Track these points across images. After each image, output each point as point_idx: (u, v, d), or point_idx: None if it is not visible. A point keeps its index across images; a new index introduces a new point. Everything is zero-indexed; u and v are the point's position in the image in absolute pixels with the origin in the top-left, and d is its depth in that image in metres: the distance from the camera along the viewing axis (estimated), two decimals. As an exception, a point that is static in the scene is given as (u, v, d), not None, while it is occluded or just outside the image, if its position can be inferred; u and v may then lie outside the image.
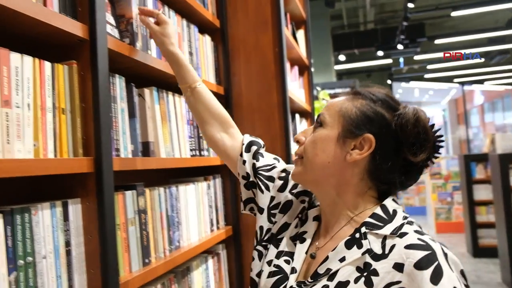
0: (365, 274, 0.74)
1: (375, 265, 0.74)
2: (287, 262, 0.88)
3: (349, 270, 0.76)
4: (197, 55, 1.65)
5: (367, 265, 0.75)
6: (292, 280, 0.84)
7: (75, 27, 0.95)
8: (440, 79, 14.36)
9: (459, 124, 15.76)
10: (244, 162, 1.05)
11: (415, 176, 0.86)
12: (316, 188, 0.89)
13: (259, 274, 0.92)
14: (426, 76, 14.06)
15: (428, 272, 0.69)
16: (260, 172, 1.03)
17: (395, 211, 0.82)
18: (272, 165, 1.04)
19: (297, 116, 2.50)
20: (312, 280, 0.80)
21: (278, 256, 0.90)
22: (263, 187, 1.01)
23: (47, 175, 0.88)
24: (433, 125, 0.84)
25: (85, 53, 0.99)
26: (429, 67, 12.76)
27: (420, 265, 0.70)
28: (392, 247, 0.75)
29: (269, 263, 0.90)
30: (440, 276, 0.69)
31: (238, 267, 1.85)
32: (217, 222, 1.74)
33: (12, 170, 0.75)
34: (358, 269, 0.76)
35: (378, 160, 0.82)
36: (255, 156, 1.05)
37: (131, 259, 1.11)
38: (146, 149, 1.27)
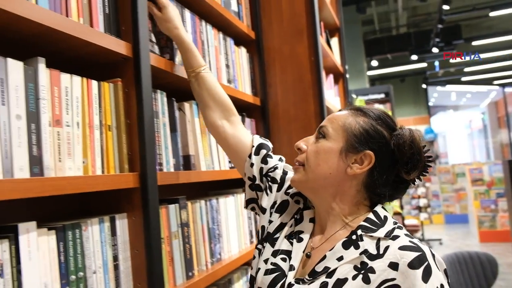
0: (362, 271, 0.80)
1: (371, 263, 0.81)
2: (284, 260, 0.92)
3: (347, 268, 0.82)
4: (233, 67, 1.66)
5: (363, 263, 0.81)
6: (291, 277, 0.88)
7: (119, 46, 0.97)
8: (478, 81, 13.85)
9: (500, 128, 15.09)
10: (252, 164, 1.07)
11: (403, 190, 0.94)
12: (314, 195, 0.94)
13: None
14: (463, 79, 13.59)
15: (420, 271, 0.77)
16: (268, 174, 1.06)
17: (385, 217, 0.89)
18: (275, 166, 1.07)
19: (333, 124, 2.46)
20: (310, 278, 0.85)
21: (274, 254, 0.94)
22: (268, 190, 1.04)
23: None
24: (424, 146, 0.90)
25: (129, 71, 1.01)
26: (467, 69, 12.34)
27: (413, 264, 0.77)
28: (386, 248, 0.81)
29: (266, 261, 0.93)
30: (429, 275, 0.77)
31: (278, 279, 1.82)
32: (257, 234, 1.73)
33: (64, 188, 0.77)
34: (355, 267, 0.82)
35: (375, 175, 0.89)
36: (264, 159, 1.08)
37: (175, 272, 1.12)
38: (187, 162, 1.28)
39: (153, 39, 1.17)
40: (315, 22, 1.89)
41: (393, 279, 0.78)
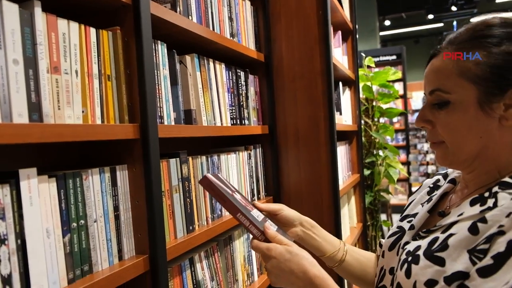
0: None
1: (487, 215, 0.68)
2: (410, 222, 0.87)
3: (465, 225, 0.70)
4: (237, 21, 1.61)
5: (482, 219, 0.68)
6: (408, 236, 0.83)
7: (118, -8, 0.94)
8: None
9: None
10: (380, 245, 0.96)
11: None
12: (469, 167, 0.78)
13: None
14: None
15: None
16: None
17: None
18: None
19: (340, 84, 2.42)
20: (426, 233, 0.78)
21: (402, 219, 0.91)
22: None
23: (95, 141, 0.90)
24: None
25: (128, 19, 0.98)
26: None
27: None
28: None
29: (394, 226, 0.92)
30: None
31: (279, 235, 1.86)
32: (258, 193, 1.75)
33: (63, 135, 0.76)
34: (473, 224, 0.69)
35: None
36: None
37: (176, 226, 1.14)
38: (188, 117, 1.27)
39: None
40: (324, -25, 1.81)
41: (502, 226, 0.64)
